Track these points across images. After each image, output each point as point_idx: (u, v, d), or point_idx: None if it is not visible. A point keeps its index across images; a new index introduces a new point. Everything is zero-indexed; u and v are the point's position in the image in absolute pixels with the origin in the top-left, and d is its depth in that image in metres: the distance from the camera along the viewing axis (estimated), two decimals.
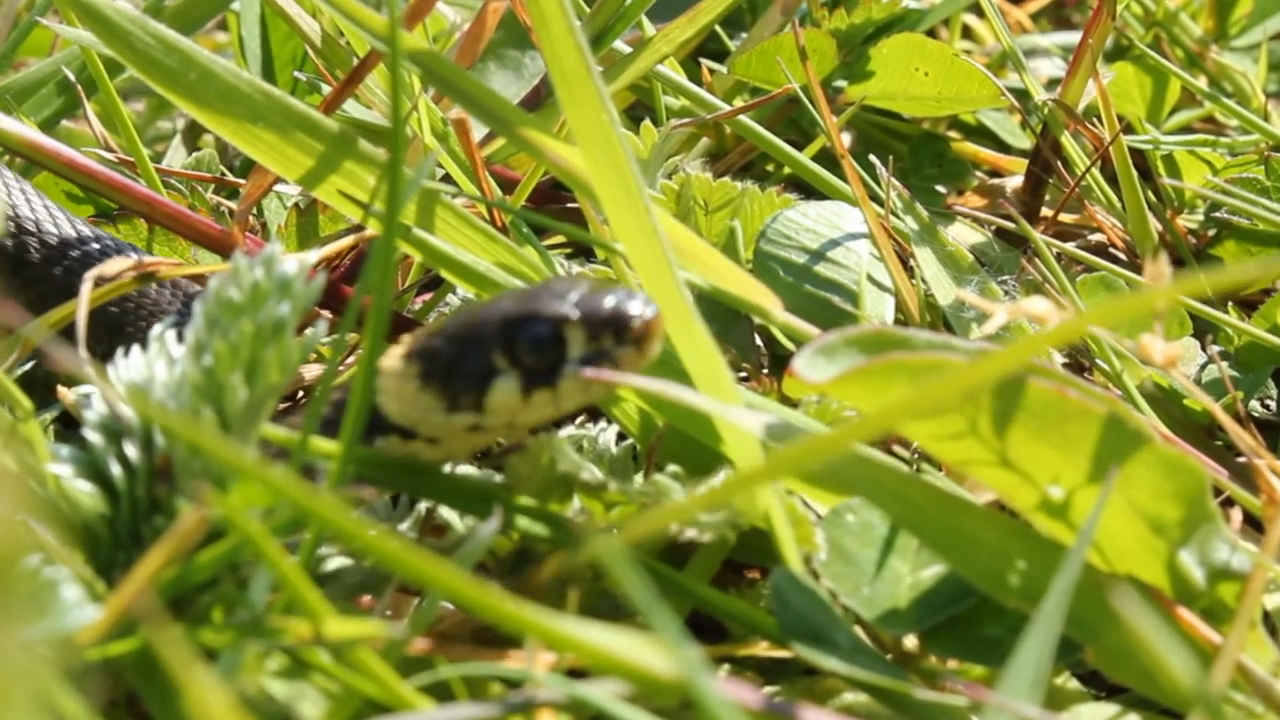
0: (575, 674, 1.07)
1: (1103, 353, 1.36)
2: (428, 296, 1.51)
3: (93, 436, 1.05)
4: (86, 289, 1.25)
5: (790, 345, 1.39)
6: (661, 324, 1.12)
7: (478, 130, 1.46)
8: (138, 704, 1.00)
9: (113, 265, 1.31)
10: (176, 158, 1.83)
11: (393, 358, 1.16)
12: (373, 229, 1.38)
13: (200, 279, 1.43)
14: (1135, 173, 1.61)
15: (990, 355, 0.95)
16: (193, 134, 1.91)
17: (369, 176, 1.30)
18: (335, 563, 1.13)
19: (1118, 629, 1.01)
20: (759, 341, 1.44)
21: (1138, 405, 1.33)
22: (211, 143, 1.89)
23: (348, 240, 1.45)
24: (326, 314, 1.36)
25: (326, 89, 1.61)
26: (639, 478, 1.21)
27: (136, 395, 1.02)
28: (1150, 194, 1.66)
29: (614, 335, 1.11)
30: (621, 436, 1.26)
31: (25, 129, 1.39)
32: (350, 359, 1.40)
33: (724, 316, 1.38)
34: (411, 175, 1.17)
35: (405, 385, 1.14)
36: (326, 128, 1.30)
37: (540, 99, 1.55)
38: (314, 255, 1.32)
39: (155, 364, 1.07)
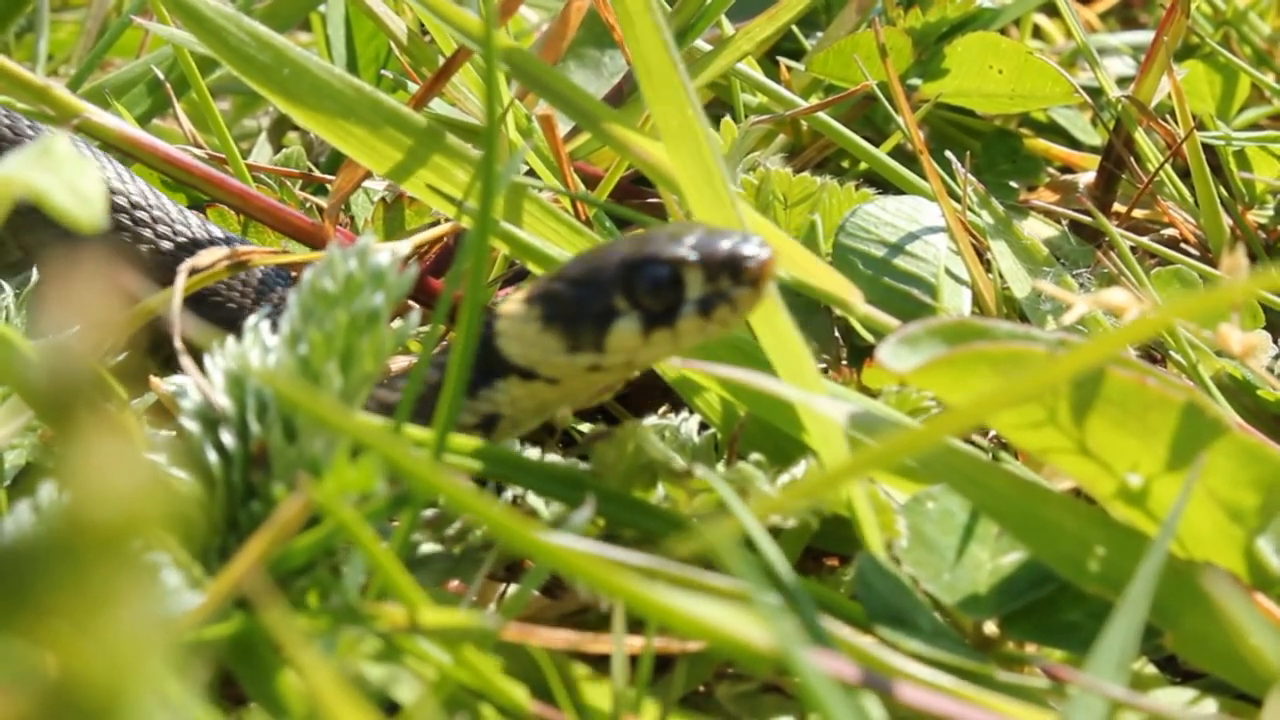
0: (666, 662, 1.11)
1: (1179, 344, 1.37)
2: (510, 290, 1.53)
3: (189, 424, 1.07)
4: (181, 280, 1.28)
5: (869, 337, 1.41)
6: (775, 265, 1.14)
7: (560, 126, 1.49)
8: (232, 687, 1.02)
9: (207, 256, 1.34)
10: (262, 154, 1.86)
11: (512, 302, 1.20)
12: (461, 223, 1.41)
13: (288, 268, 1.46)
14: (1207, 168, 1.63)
15: (1079, 347, 0.96)
16: (278, 131, 1.94)
17: (457, 171, 1.32)
18: (425, 548, 1.16)
19: (1198, 614, 1.02)
20: (837, 333, 1.45)
21: (1212, 395, 1.34)
22: (297, 140, 1.93)
23: (435, 233, 1.47)
24: (414, 305, 1.40)
25: (412, 86, 1.64)
26: (720, 466, 1.23)
27: (266, 375, 1.04)
28: (1221, 189, 1.67)
29: (731, 276, 1.14)
30: (703, 426, 1.27)
31: (124, 125, 1.42)
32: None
33: (803, 309, 1.39)
34: (501, 170, 1.19)
35: (527, 328, 1.18)
36: (416, 123, 1.32)
37: (623, 96, 1.57)
38: (405, 247, 1.34)
39: (250, 353, 1.08)
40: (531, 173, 1.46)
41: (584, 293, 1.17)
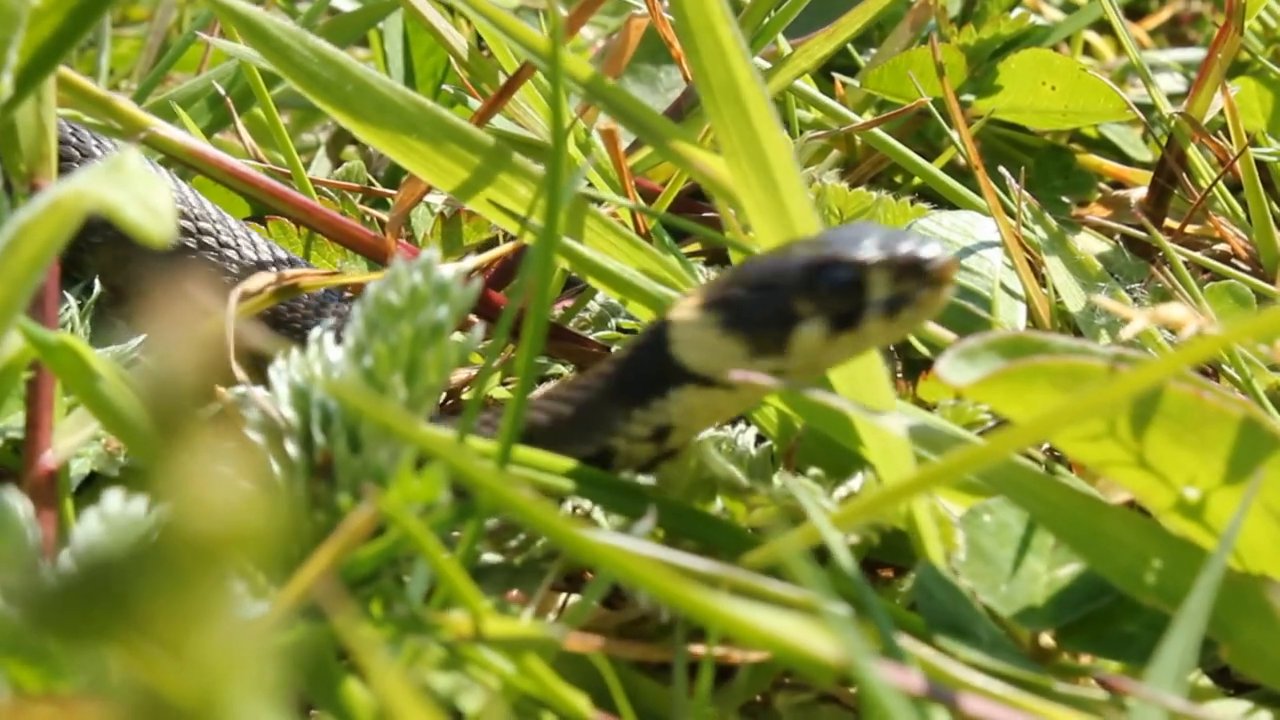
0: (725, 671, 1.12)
1: (1234, 359, 1.38)
2: (569, 302, 1.55)
3: (253, 435, 1.08)
4: (234, 303, 1.30)
5: (924, 350, 1.42)
6: (956, 267, 1.14)
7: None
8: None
9: (256, 281, 1.35)
10: (321, 168, 1.89)
11: (686, 309, 1.17)
12: (521, 237, 1.42)
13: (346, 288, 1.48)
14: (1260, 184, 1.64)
15: (1142, 364, 0.97)
16: (336, 145, 1.97)
17: (520, 187, 1.34)
18: (487, 558, 1.17)
19: (1254, 626, 1.02)
20: (892, 347, 1.46)
21: (1267, 410, 1.35)
22: (355, 154, 1.95)
23: (496, 251, 1.49)
24: (475, 319, 1.41)
25: (471, 101, 1.66)
26: (777, 479, 1.24)
27: (333, 386, 1.06)
28: (1273, 204, 1.68)
29: (915, 278, 1.12)
30: (759, 438, 1.28)
31: (190, 138, 1.44)
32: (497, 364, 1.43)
33: None
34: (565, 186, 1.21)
35: (705, 334, 1.15)
36: (478, 140, 1.34)
37: (680, 113, 1.59)
38: (470, 261, 1.36)
39: (314, 366, 1.09)
40: (589, 187, 1.47)
41: (765, 296, 1.15)
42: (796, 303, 1.13)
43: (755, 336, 1.15)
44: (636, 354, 1.20)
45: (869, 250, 1.13)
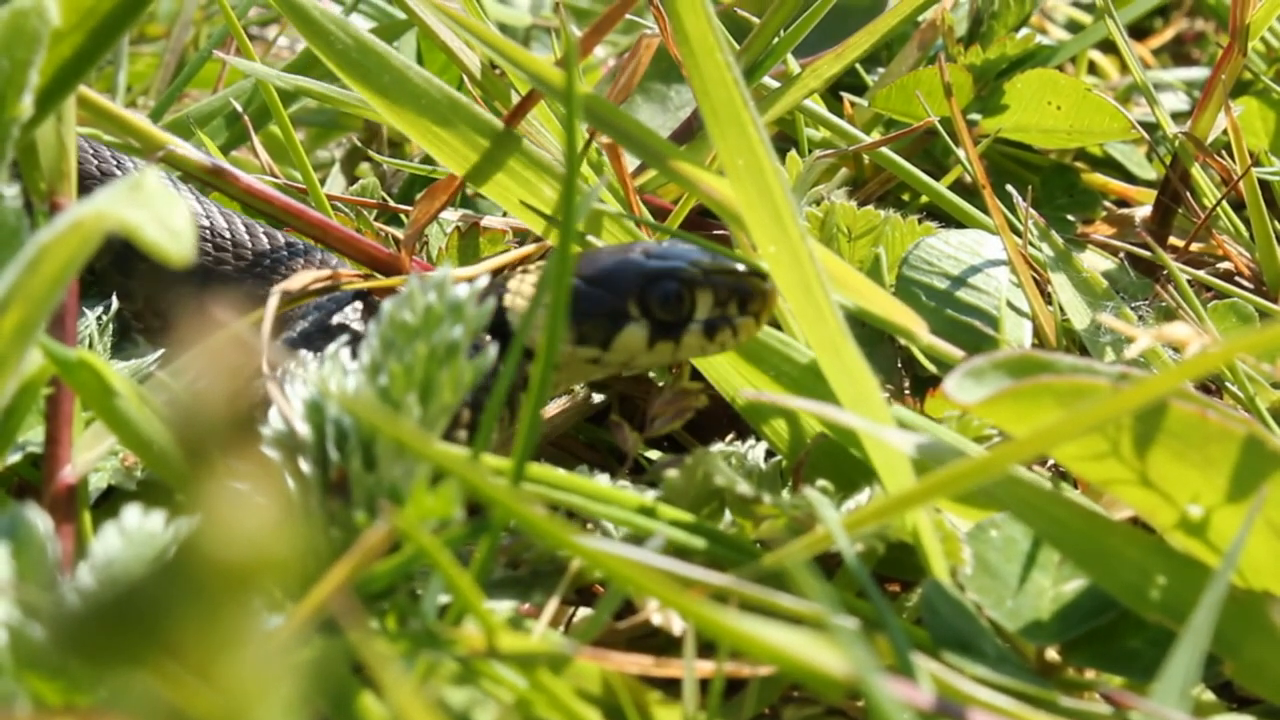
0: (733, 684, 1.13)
1: (1237, 377, 1.39)
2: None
3: (269, 452, 1.09)
4: (274, 301, 1.31)
5: (931, 367, 1.43)
6: (777, 300, 1.23)
7: (630, 161, 1.52)
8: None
9: (298, 280, 1.38)
10: (336, 184, 1.90)
11: (526, 284, 1.29)
12: (547, 237, 1.45)
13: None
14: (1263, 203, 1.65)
15: (1143, 381, 0.98)
16: (351, 162, 1.99)
17: (545, 187, 1.37)
18: (499, 572, 1.17)
19: (1257, 642, 1.03)
20: (899, 364, 1.48)
21: (1270, 427, 1.36)
22: (370, 171, 1.97)
23: (509, 256, 1.51)
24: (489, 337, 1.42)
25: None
26: (785, 493, 1.24)
27: (349, 402, 1.06)
28: (1276, 223, 1.69)
29: (738, 304, 1.24)
30: (770, 453, 1.29)
31: (207, 156, 1.45)
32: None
33: (866, 340, 1.42)
34: (580, 200, 1.22)
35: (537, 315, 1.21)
36: (509, 137, 1.39)
37: (691, 132, 1.60)
38: (483, 281, 1.37)
39: (330, 382, 1.10)
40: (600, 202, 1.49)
41: (600, 294, 1.26)
42: (628, 305, 1.25)
43: (582, 329, 1.26)
44: None
45: (701, 271, 1.25)
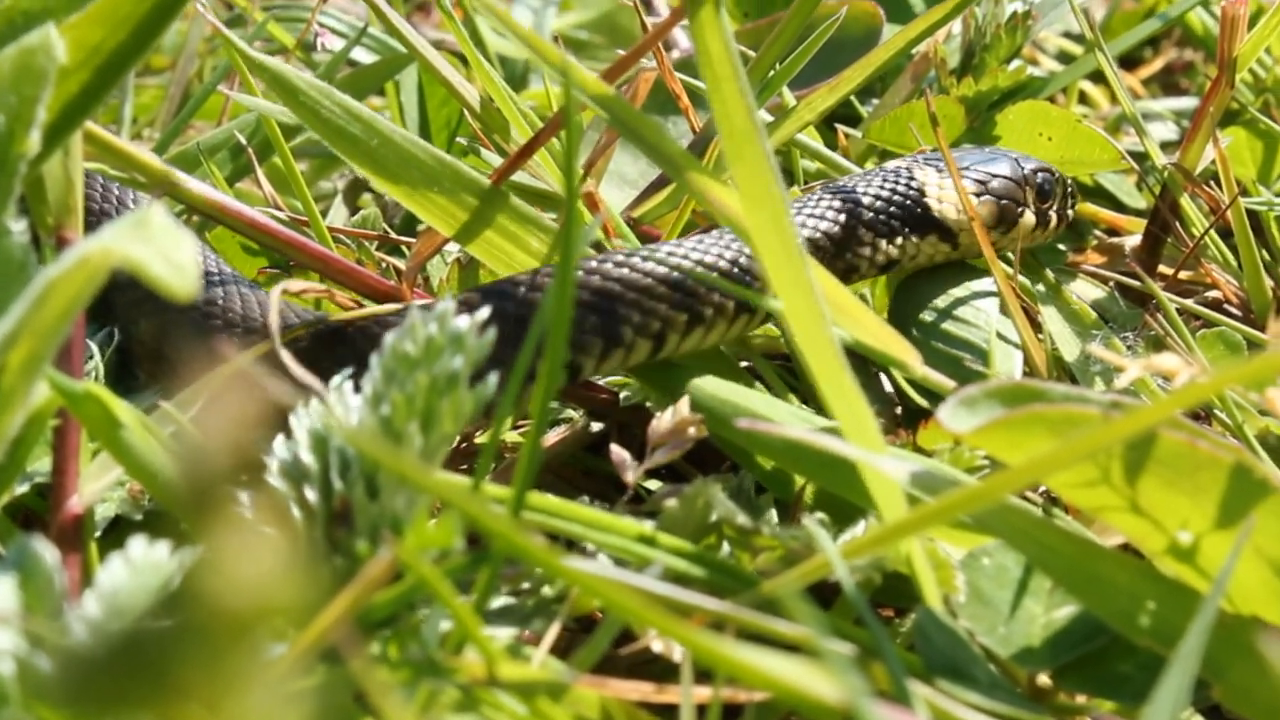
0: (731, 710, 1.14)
1: (1225, 405, 1.41)
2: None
3: (275, 482, 1.10)
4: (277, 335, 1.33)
5: (921, 401, 1.45)
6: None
7: (627, 194, 1.54)
8: None
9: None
10: (338, 215, 1.92)
11: (951, 189, 1.58)
12: None
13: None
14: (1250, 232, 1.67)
15: (1133, 410, 0.99)
16: (353, 193, 2.00)
17: (533, 240, 1.38)
18: (498, 601, 1.19)
19: (1245, 667, 1.04)
20: (892, 391, 1.49)
21: (1258, 455, 1.37)
22: (371, 201, 1.98)
23: None
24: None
25: (484, 152, 1.69)
26: (775, 524, 1.25)
27: (351, 435, 1.07)
28: (1263, 252, 1.71)
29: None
30: (759, 488, 1.31)
31: (210, 189, 1.47)
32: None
33: (858, 371, 1.41)
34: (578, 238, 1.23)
35: (965, 200, 1.57)
36: (496, 196, 1.39)
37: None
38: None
39: (334, 413, 1.11)
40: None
41: (1014, 188, 1.60)
42: (1027, 195, 1.61)
43: (1002, 208, 1.59)
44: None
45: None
